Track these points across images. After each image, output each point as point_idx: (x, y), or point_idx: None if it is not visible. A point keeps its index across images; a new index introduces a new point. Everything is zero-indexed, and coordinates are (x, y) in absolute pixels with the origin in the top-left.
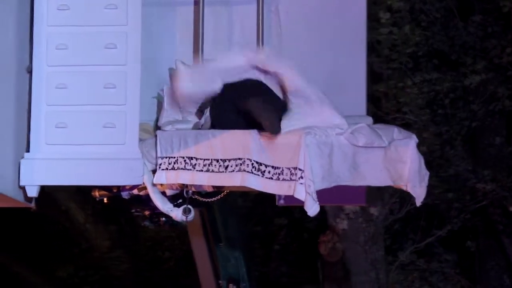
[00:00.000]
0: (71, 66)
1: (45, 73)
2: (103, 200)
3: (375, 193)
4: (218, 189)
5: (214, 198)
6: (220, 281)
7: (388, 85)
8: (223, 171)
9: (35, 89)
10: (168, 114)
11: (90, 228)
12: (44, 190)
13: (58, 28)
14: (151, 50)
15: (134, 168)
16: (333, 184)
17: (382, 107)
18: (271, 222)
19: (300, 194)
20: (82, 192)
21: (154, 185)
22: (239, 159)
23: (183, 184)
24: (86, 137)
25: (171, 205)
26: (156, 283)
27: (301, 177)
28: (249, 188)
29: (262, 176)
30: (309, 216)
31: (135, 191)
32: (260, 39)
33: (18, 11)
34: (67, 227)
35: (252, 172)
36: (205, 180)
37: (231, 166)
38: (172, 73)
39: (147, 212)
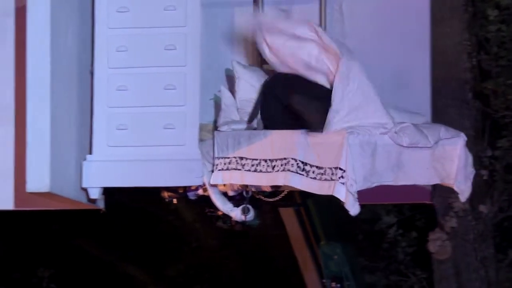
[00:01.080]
0: (132, 68)
1: (106, 75)
2: (172, 201)
3: (484, 191)
4: (276, 189)
5: (275, 198)
6: (324, 280)
7: (497, 83)
8: (270, 171)
9: (96, 91)
10: (226, 114)
11: (199, 227)
12: (152, 190)
13: (118, 30)
14: (211, 50)
15: (193, 169)
16: (375, 184)
17: (490, 105)
18: (380, 219)
19: (340, 194)
20: None
21: (214, 185)
22: (284, 158)
23: (245, 185)
24: (146, 138)
25: (230, 205)
26: (265, 282)
27: (342, 177)
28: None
29: (307, 176)
30: (419, 214)
31: (200, 192)
32: None
33: (79, 14)
34: (176, 226)
35: (297, 172)
36: (253, 180)
37: (277, 166)
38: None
39: (220, 212)
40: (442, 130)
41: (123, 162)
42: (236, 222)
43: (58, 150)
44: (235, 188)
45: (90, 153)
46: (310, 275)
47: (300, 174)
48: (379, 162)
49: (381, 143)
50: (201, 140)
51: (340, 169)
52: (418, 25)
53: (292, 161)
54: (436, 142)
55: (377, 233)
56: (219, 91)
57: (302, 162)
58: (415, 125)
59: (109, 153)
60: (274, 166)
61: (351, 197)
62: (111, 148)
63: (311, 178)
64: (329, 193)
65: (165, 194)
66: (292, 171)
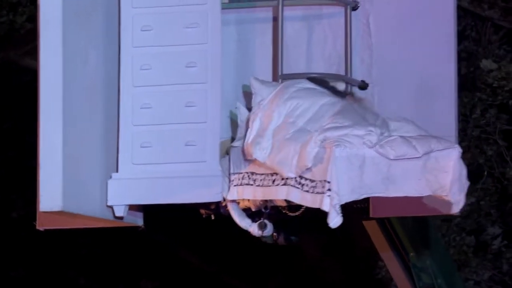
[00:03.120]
0: (155, 86)
1: (132, 94)
2: (210, 216)
3: None
4: (290, 203)
5: (297, 213)
6: None
7: None
8: (271, 185)
9: (122, 109)
10: (242, 130)
11: (301, 237)
12: (189, 207)
13: (142, 49)
14: (232, 67)
15: (213, 185)
16: (363, 196)
17: None
18: (485, 231)
19: (325, 206)
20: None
21: (234, 201)
22: None
23: (265, 200)
24: (169, 155)
25: (249, 221)
26: None
27: (329, 189)
28: None
29: (301, 189)
30: None
31: None
32: (348, 51)
33: (105, 34)
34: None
35: (294, 186)
36: (262, 194)
37: (277, 180)
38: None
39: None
40: (434, 142)
41: (147, 179)
42: (278, 237)
43: (76, 169)
44: (258, 203)
45: (117, 171)
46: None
47: (297, 187)
48: (367, 174)
49: (370, 155)
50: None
51: (328, 182)
52: (443, 35)
53: None
54: (426, 153)
55: (482, 244)
56: (236, 107)
57: (299, 176)
58: (403, 136)
59: (133, 171)
60: (274, 180)
61: (333, 210)
62: (136, 166)
63: (305, 191)
64: (320, 206)
65: (202, 211)
66: (291, 185)
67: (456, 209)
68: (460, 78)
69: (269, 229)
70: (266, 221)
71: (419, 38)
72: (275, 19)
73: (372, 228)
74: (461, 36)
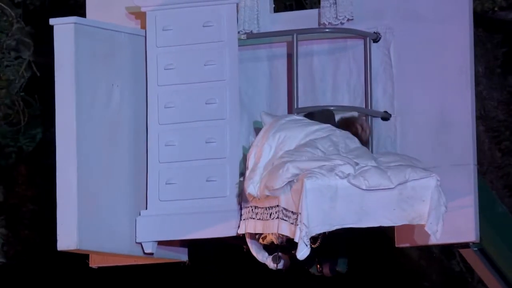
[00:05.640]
0: (178, 124)
1: (157, 132)
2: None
3: None
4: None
5: (316, 243)
6: None
7: None
8: (268, 219)
9: (150, 147)
10: None
11: (424, 264)
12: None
13: (166, 87)
14: (266, 102)
15: (231, 219)
16: (335, 227)
17: None
18: None
19: (297, 238)
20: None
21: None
22: (277, 206)
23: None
24: (192, 191)
25: (266, 254)
26: None
27: (301, 221)
28: None
29: (289, 222)
30: None
31: (261, 241)
32: (368, 83)
33: (132, 73)
34: (401, 263)
35: (283, 219)
36: (260, 228)
37: (273, 213)
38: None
39: None
40: (409, 171)
41: (173, 215)
42: (322, 268)
43: (97, 207)
44: (279, 236)
45: (146, 208)
46: None
47: (285, 220)
48: (340, 205)
49: (342, 186)
50: None
51: (300, 213)
52: (461, 65)
53: (280, 208)
54: (401, 183)
55: None
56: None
57: (285, 209)
58: (378, 167)
59: (160, 208)
60: (271, 213)
61: (302, 241)
62: (162, 203)
63: (291, 223)
64: (294, 238)
65: (244, 247)
66: (281, 218)
67: (433, 239)
68: None
69: (283, 262)
70: (280, 254)
71: (438, 68)
72: (283, 56)
73: (471, 258)
74: None
